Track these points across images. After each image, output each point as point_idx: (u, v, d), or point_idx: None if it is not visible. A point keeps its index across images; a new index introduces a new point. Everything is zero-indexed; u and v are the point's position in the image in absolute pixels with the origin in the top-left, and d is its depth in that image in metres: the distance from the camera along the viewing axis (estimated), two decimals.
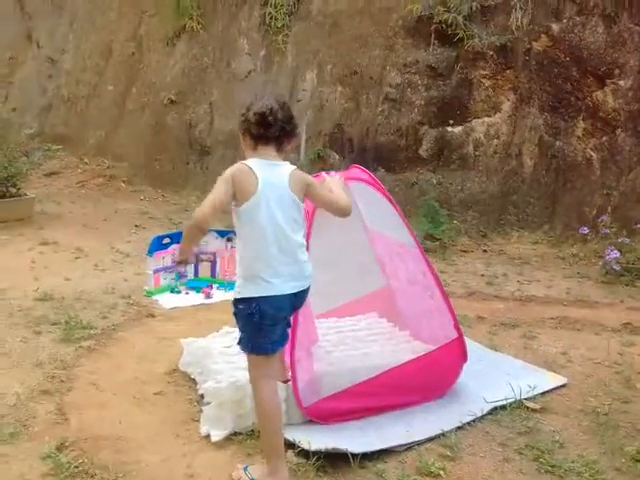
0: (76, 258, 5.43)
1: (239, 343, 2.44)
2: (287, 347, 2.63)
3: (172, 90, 8.51)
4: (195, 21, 8.32)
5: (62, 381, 3.11)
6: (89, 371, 3.26)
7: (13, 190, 6.55)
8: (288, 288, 2.36)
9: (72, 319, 3.87)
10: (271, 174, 2.37)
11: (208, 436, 2.64)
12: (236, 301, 2.38)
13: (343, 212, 2.58)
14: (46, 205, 7.32)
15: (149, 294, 4.56)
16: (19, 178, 6.59)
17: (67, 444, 2.53)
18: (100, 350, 3.55)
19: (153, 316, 4.18)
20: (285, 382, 2.73)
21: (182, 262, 2.53)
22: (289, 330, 2.54)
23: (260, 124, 2.36)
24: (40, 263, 5.18)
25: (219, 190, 2.31)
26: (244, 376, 2.69)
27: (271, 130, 2.38)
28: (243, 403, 2.64)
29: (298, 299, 2.44)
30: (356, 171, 3.04)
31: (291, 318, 2.55)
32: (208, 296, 4.58)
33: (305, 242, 2.47)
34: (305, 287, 2.44)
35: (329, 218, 2.71)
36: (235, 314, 2.40)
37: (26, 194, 6.72)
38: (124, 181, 8.55)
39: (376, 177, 3.14)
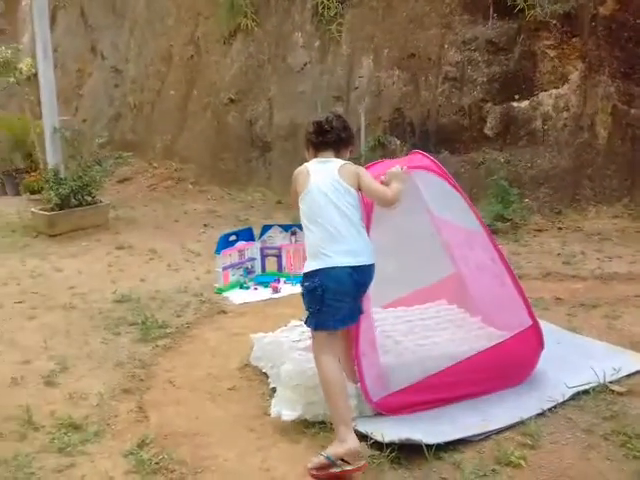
0: (150, 259, 5.60)
1: (305, 322, 2.60)
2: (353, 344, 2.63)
3: (231, 89, 8.63)
4: (249, 19, 8.38)
5: (141, 380, 3.22)
6: (166, 369, 3.36)
7: (89, 198, 6.83)
8: (346, 262, 2.49)
9: (148, 319, 3.99)
10: (322, 167, 2.65)
11: (281, 428, 2.66)
12: (302, 279, 2.58)
13: (385, 203, 2.66)
14: (120, 210, 7.61)
15: (219, 291, 4.64)
16: (94, 186, 6.85)
17: (148, 441, 2.61)
18: (175, 348, 3.65)
19: (224, 312, 4.26)
20: (356, 383, 2.72)
21: None
22: (358, 312, 2.59)
23: (317, 132, 2.69)
24: (116, 266, 5.38)
25: (292, 187, 2.72)
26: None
27: (328, 136, 2.68)
28: (315, 391, 2.63)
29: (360, 275, 2.53)
30: (417, 157, 2.96)
31: (360, 301, 2.59)
32: (276, 290, 4.62)
33: (362, 223, 2.61)
34: (364, 263, 2.53)
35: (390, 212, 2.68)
36: (302, 294, 2.58)
37: (101, 201, 7.00)
38: (192, 182, 8.76)
39: (439, 160, 3.04)
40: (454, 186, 2.89)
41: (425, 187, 2.87)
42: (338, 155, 2.72)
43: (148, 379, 3.22)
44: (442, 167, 2.93)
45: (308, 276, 2.53)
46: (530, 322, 2.91)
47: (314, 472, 2.37)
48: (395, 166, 2.74)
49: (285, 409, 2.68)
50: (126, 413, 2.88)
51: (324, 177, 2.60)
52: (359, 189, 2.62)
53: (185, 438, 2.67)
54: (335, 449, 2.36)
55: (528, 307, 2.92)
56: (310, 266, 2.54)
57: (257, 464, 2.48)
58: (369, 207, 2.70)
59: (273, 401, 2.79)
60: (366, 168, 2.96)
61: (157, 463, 2.45)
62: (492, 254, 2.93)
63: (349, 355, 2.73)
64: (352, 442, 2.37)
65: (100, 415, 2.86)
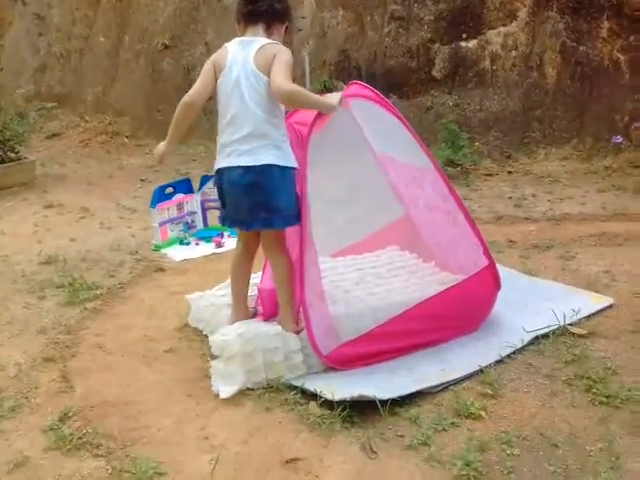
0: (81, 218, 5.19)
1: None
2: (297, 291, 2.39)
3: (165, 34, 8.04)
4: None
5: (66, 346, 2.91)
6: (95, 333, 3.06)
7: (12, 155, 6.30)
8: (240, 161, 2.44)
9: (76, 280, 3.65)
10: (241, 51, 2.45)
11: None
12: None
13: (277, 93, 2.38)
14: (50, 167, 7.08)
15: (157, 248, 4.32)
16: (17, 141, 6.32)
17: (71, 414, 2.33)
18: (106, 310, 3.34)
19: (162, 270, 3.95)
20: (297, 332, 2.50)
21: (160, 156, 2.73)
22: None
23: (247, 0, 2.47)
24: (44, 226, 4.96)
25: (203, 69, 2.51)
26: (254, 328, 2.46)
27: (258, 4, 2.45)
28: (253, 356, 2.40)
29: (254, 176, 2.44)
30: (356, 87, 2.66)
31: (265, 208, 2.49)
32: (219, 245, 4.32)
33: (275, 118, 2.46)
34: (261, 163, 2.42)
35: (327, 147, 2.41)
36: None
37: (26, 157, 6.47)
38: (127, 136, 8.22)
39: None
40: (400, 118, 2.63)
41: (366, 122, 2.59)
42: (269, 31, 2.46)
43: (74, 345, 2.92)
44: (385, 98, 2.65)
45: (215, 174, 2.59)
46: (486, 262, 2.73)
47: None
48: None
49: (222, 384, 2.42)
50: (47, 384, 2.58)
51: (238, 65, 2.42)
52: None
53: (114, 408, 2.40)
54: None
55: (483, 245, 2.73)
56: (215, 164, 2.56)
57: (195, 432, 2.24)
58: (305, 142, 2.43)
59: (211, 374, 2.53)
60: (295, 111, 2.69)
61: (80, 438, 2.18)
62: (442, 191, 2.70)
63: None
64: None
65: (18, 387, 2.55)
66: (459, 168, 5.78)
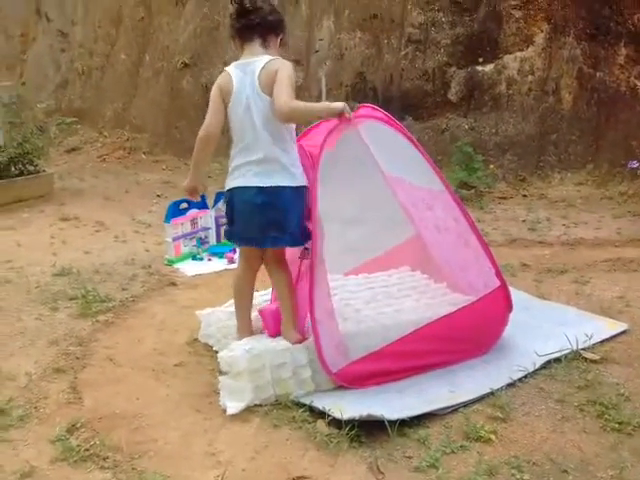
0: (96, 231, 5.24)
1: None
2: (305, 307, 2.40)
3: (185, 53, 8.17)
4: None
5: (77, 358, 2.92)
6: (106, 346, 3.07)
7: (31, 168, 6.39)
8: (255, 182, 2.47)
9: (89, 293, 3.67)
10: (243, 74, 2.46)
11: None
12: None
13: (280, 117, 2.41)
14: (67, 181, 7.17)
15: (170, 263, 4.34)
16: (36, 155, 6.42)
17: (79, 425, 2.33)
18: (118, 323, 3.35)
19: (175, 285, 3.97)
20: (301, 341, 2.53)
21: (191, 190, 2.74)
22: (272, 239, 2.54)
23: (240, 13, 2.46)
24: (59, 238, 5.01)
25: (211, 96, 2.52)
26: (262, 344, 2.46)
27: (251, 17, 2.43)
28: (262, 373, 2.39)
29: (268, 197, 2.47)
30: (366, 110, 2.68)
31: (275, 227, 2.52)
32: (231, 261, 4.33)
33: (288, 139, 2.50)
34: (271, 185, 2.45)
35: (337, 165, 2.43)
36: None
37: (44, 171, 6.56)
38: (145, 152, 8.32)
39: (404, 126, 2.78)
40: (410, 140, 2.64)
41: (376, 143, 2.61)
42: (266, 44, 2.48)
43: (85, 357, 2.92)
44: (395, 120, 2.66)
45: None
46: (497, 283, 2.71)
47: None
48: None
49: (230, 400, 2.41)
50: (57, 394, 2.58)
51: (246, 85, 2.44)
52: None
53: (122, 421, 2.39)
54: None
55: (495, 267, 2.71)
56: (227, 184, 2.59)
57: (202, 447, 2.23)
58: (315, 163, 2.45)
59: (220, 388, 2.52)
60: (309, 131, 2.72)
61: (87, 449, 2.17)
62: (454, 213, 2.70)
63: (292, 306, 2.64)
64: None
65: (27, 397, 2.56)
66: (473, 190, 5.78)
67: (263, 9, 2.46)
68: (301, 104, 2.46)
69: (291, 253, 2.70)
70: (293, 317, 2.61)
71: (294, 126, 2.59)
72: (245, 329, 2.73)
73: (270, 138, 2.45)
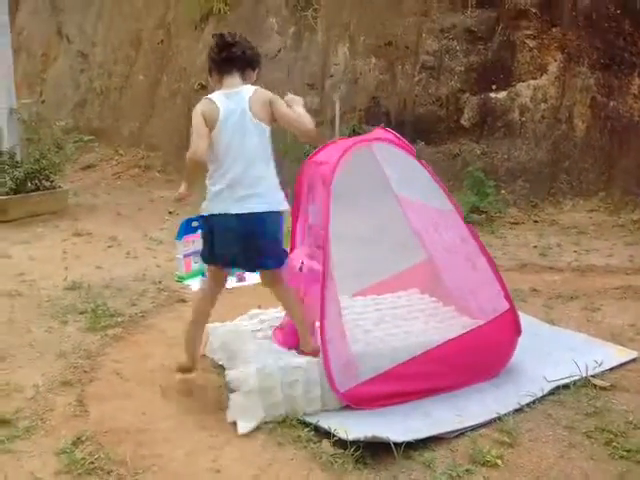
0: (108, 247, 5.30)
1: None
2: (316, 326, 2.40)
3: (202, 75, 8.29)
4: (222, 2, 8.10)
5: (85, 371, 2.93)
6: (114, 360, 3.08)
7: (47, 183, 6.50)
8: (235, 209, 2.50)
9: (99, 307, 3.70)
10: (230, 101, 2.49)
11: (235, 425, 2.41)
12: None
13: (306, 133, 2.52)
14: (82, 197, 7.28)
15: (180, 279, 4.37)
16: (52, 171, 6.53)
17: (84, 438, 2.34)
18: (127, 338, 3.37)
19: (184, 301, 3.98)
20: (317, 351, 2.54)
21: (181, 198, 2.70)
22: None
23: (220, 46, 2.51)
24: (72, 253, 5.07)
25: (196, 122, 2.50)
26: (274, 362, 2.46)
27: (232, 50, 2.49)
28: (274, 391, 2.39)
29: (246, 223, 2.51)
30: (380, 132, 2.72)
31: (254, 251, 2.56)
32: (241, 279, 4.35)
33: (270, 170, 2.53)
34: (254, 211, 2.48)
35: (351, 185, 2.45)
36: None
37: (60, 187, 6.66)
38: (159, 170, 8.44)
39: (416, 150, 2.81)
40: (420, 162, 2.66)
41: (388, 163, 2.64)
42: (244, 78, 2.54)
43: (92, 370, 2.94)
44: (407, 142, 2.69)
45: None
46: (507, 306, 2.70)
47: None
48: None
49: (240, 419, 2.40)
50: (63, 407, 2.59)
51: (234, 114, 2.47)
52: (274, 119, 2.49)
53: (128, 435, 2.39)
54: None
55: (504, 289, 2.71)
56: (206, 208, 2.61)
57: (207, 464, 2.22)
58: (327, 187, 2.46)
59: (229, 407, 2.51)
60: (319, 150, 2.76)
61: (92, 463, 2.18)
62: (462, 232, 2.71)
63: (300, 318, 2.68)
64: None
65: (34, 409, 2.57)
66: (484, 215, 5.78)
67: (242, 43, 2.54)
68: (307, 116, 2.54)
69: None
70: (305, 325, 2.66)
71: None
72: (192, 348, 2.76)
73: (256, 164, 2.51)
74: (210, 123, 2.49)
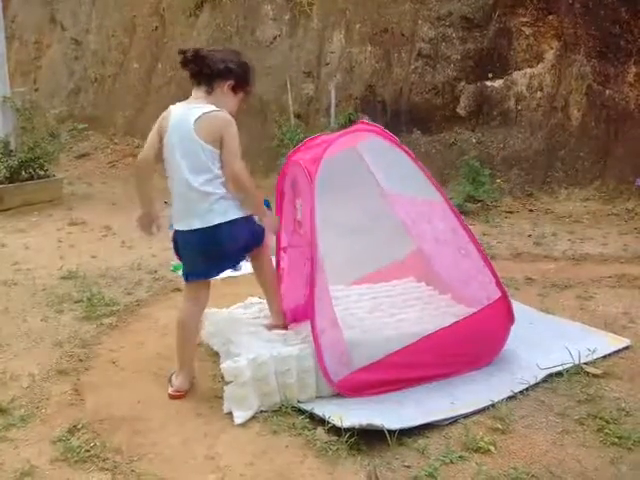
0: (103, 236, 5.30)
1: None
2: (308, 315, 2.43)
3: None
4: None
5: (80, 360, 2.94)
6: (110, 349, 3.09)
7: (41, 172, 6.47)
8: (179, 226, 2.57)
9: (94, 296, 3.71)
10: (181, 117, 2.47)
11: (231, 414, 2.42)
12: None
13: (234, 179, 2.47)
14: (77, 186, 7.25)
15: (176, 269, 4.36)
16: (46, 160, 6.49)
17: (80, 426, 2.35)
18: (122, 327, 3.38)
19: (179, 290, 3.96)
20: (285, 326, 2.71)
21: (143, 221, 2.77)
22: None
23: (182, 63, 2.51)
24: (67, 242, 5.06)
25: (151, 131, 2.56)
26: (267, 352, 2.47)
27: (206, 62, 2.46)
28: (267, 380, 2.40)
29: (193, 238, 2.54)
30: (363, 126, 2.71)
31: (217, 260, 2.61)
32: (235, 268, 4.35)
33: (212, 186, 2.47)
34: (204, 226, 2.48)
35: (336, 177, 2.47)
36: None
37: (54, 175, 6.63)
38: None
39: (411, 140, 2.83)
40: (407, 153, 2.66)
41: (374, 160, 2.64)
42: (210, 91, 2.49)
43: (88, 359, 2.95)
44: (392, 134, 2.69)
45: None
46: (498, 294, 2.71)
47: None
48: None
49: (236, 410, 2.41)
50: (59, 395, 2.60)
51: (179, 132, 2.46)
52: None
53: (123, 423, 2.41)
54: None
55: (495, 277, 2.71)
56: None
57: (202, 451, 2.24)
58: (311, 182, 2.48)
59: (224, 398, 2.51)
60: (307, 141, 2.76)
61: (88, 450, 2.19)
62: (452, 223, 2.71)
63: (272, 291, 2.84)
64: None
65: (30, 398, 2.58)
66: (480, 204, 5.79)
67: (208, 58, 2.48)
68: (247, 182, 2.51)
69: None
70: (278, 301, 2.87)
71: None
72: (186, 365, 2.69)
73: (195, 180, 2.47)
74: (162, 133, 2.52)
